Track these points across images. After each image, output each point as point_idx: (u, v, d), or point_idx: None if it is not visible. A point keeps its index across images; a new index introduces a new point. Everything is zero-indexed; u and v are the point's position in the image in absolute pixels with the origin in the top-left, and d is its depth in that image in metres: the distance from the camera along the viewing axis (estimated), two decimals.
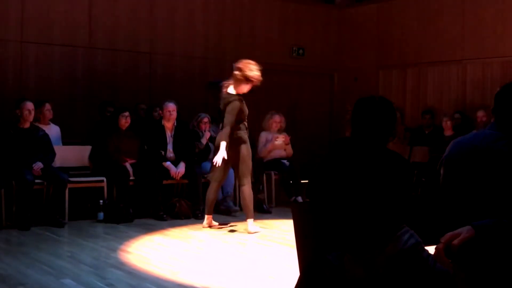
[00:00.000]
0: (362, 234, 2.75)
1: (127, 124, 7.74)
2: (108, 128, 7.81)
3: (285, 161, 8.65)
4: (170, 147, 7.83)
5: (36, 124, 7.24)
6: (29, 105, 6.98)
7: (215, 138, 8.51)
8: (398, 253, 2.72)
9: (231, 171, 8.20)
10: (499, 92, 2.59)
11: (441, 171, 2.70)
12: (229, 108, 6.52)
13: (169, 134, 7.83)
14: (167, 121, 7.82)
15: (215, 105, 9.46)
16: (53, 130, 7.65)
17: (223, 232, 6.72)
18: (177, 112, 8.81)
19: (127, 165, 7.57)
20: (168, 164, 7.68)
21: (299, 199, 8.07)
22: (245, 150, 6.64)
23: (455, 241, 2.26)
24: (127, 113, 7.75)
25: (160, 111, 8.01)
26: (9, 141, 6.90)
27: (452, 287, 2.52)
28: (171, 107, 7.76)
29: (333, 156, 2.92)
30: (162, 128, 7.81)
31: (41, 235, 6.38)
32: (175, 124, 7.89)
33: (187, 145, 7.92)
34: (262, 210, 8.07)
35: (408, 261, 2.73)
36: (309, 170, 5.73)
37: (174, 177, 7.64)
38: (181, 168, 7.70)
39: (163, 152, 7.75)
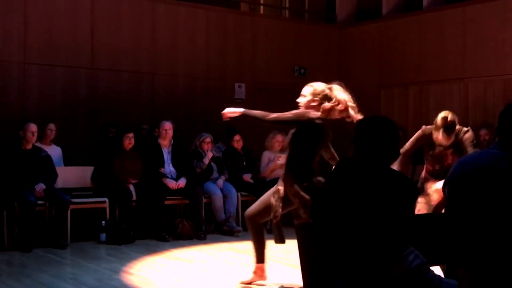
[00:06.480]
0: (367, 255, 2.73)
1: (131, 145, 7.76)
2: (111, 149, 7.81)
3: None
4: (169, 165, 7.85)
5: (38, 144, 7.24)
6: (33, 127, 7.00)
7: (217, 158, 8.54)
8: (403, 273, 2.71)
9: (234, 190, 8.20)
10: (503, 111, 2.59)
11: (446, 191, 2.69)
12: None
13: (166, 151, 7.88)
14: (163, 139, 7.90)
15: (216, 126, 9.50)
16: (55, 151, 7.64)
17: (226, 253, 6.69)
18: (180, 131, 8.85)
19: (130, 186, 7.57)
20: (167, 180, 7.68)
21: None
22: None
23: None
24: (131, 134, 7.77)
25: (157, 129, 8.09)
26: (11, 162, 6.90)
27: None
28: (167, 125, 7.88)
29: (337, 176, 2.91)
30: (158, 146, 7.88)
31: (43, 256, 6.35)
32: (172, 142, 7.94)
33: (185, 162, 7.94)
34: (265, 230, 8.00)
35: (414, 282, 2.71)
36: (313, 190, 5.71)
37: (173, 188, 7.64)
38: (181, 181, 7.71)
39: (163, 170, 7.75)
